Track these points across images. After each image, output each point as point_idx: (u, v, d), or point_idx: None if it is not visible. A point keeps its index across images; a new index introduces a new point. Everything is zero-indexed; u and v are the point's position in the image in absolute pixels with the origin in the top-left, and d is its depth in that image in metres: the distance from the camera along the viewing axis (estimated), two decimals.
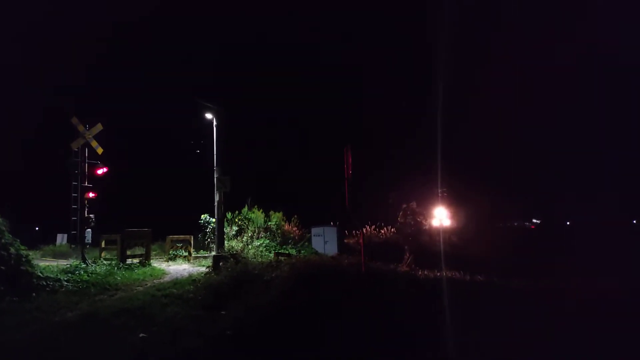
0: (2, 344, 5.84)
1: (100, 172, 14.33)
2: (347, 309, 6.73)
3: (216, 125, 15.89)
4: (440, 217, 15.62)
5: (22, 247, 9.59)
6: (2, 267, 8.73)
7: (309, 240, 17.51)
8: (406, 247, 13.26)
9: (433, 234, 15.17)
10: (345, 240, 16.66)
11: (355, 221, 11.02)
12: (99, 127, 14.73)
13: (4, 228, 9.41)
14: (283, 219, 18.93)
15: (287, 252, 14.66)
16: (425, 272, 9.99)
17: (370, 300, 7.19)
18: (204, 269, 12.33)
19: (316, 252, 15.72)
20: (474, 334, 5.93)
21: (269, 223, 18.19)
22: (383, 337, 5.89)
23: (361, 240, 9.94)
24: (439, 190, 16.62)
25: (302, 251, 16.14)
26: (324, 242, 16.53)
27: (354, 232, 17.18)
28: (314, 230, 17.31)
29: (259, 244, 16.38)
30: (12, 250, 9.18)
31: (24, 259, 9.37)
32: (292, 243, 17.56)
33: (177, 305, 8.03)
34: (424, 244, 14.32)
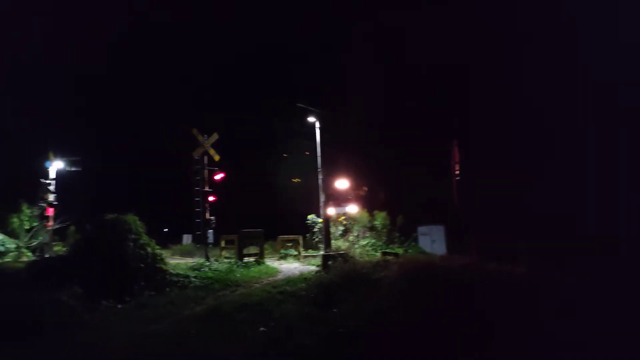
0: (144, 334, 6.67)
1: (218, 177, 15.62)
2: (458, 317, 6.38)
3: (319, 128, 16.32)
4: None
5: (157, 247, 10.85)
6: (142, 265, 9.94)
7: (415, 239, 17.08)
8: (523, 243, 12.13)
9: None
10: (454, 240, 15.92)
11: (465, 219, 10.48)
12: (215, 136, 15.98)
13: (141, 230, 10.71)
14: (387, 219, 18.76)
15: (393, 251, 14.48)
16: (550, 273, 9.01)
17: (486, 309, 6.71)
18: (313, 268, 12.73)
19: (423, 252, 15.29)
20: None
21: (374, 222, 18.15)
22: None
23: (474, 240, 9.42)
24: None
25: (409, 250, 15.84)
26: (431, 241, 16.02)
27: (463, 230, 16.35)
28: (420, 229, 16.86)
29: (364, 243, 16.46)
30: (149, 250, 10.42)
31: (158, 258, 10.60)
32: (398, 242, 17.32)
33: (291, 302, 8.42)
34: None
